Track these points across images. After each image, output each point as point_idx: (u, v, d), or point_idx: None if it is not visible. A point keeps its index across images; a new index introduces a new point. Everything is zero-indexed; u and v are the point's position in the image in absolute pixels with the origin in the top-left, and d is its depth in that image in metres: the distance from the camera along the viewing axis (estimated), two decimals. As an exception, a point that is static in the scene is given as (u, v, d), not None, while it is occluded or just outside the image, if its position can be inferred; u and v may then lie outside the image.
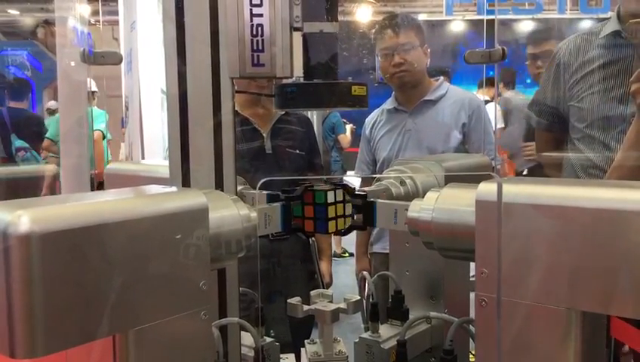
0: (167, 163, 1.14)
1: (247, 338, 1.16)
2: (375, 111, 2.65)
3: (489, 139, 2.52)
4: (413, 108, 2.53)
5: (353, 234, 1.32)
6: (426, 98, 2.51)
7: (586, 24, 9.05)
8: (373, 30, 2.61)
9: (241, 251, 1.00)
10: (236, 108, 2.34)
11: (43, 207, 0.71)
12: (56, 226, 0.69)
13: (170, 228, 0.81)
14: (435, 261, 1.20)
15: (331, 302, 1.21)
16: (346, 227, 1.18)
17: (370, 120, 2.66)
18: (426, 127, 2.49)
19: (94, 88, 4.93)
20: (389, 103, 2.62)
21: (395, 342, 1.18)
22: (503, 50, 1.26)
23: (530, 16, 9.86)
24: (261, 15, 1.06)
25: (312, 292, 1.22)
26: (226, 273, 1.11)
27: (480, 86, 5.63)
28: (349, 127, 7.54)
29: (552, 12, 10.11)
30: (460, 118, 2.46)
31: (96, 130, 5.90)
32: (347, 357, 1.18)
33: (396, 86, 2.56)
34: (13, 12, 11.72)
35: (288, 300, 1.19)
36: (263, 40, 1.07)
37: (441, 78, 2.61)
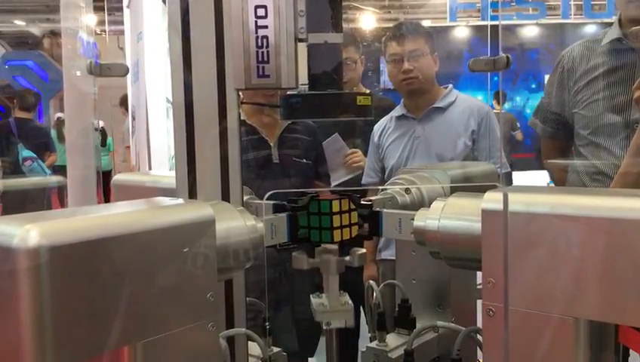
0: (173, 173, 1.15)
1: (254, 349, 1.16)
2: (384, 118, 2.65)
3: (497, 146, 2.51)
4: (422, 115, 2.53)
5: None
6: (435, 105, 2.51)
7: (591, 29, 9.04)
8: (383, 37, 2.62)
9: (247, 262, 1.00)
10: (243, 118, 2.34)
11: (51, 220, 0.72)
12: (65, 239, 0.69)
13: (177, 241, 0.82)
14: (441, 269, 1.20)
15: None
16: (353, 236, 1.18)
17: (378, 127, 2.65)
18: (435, 134, 2.49)
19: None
20: (397, 110, 2.62)
21: (403, 352, 1.18)
22: (508, 57, 1.26)
23: (535, 21, 9.86)
24: (266, 27, 1.07)
25: (317, 248, 1.19)
26: (233, 283, 1.11)
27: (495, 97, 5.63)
28: None
29: (556, 17, 10.10)
30: (470, 125, 2.45)
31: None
32: (353, 307, 1.17)
33: (405, 93, 2.57)
34: (19, 23, 11.79)
35: (293, 253, 1.18)
36: (268, 51, 1.08)
37: (450, 85, 2.61)
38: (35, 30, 11.10)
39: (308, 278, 2.44)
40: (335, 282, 1.17)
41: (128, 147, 6.66)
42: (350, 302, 1.17)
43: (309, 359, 2.32)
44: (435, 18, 11.20)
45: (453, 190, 1.15)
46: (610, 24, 2.16)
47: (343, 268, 1.17)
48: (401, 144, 2.53)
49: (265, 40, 1.07)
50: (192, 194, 1.11)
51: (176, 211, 0.87)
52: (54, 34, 8.48)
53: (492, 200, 0.85)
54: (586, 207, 0.79)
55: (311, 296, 1.21)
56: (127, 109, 6.31)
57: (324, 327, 1.16)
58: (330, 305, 1.16)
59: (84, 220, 0.76)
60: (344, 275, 1.19)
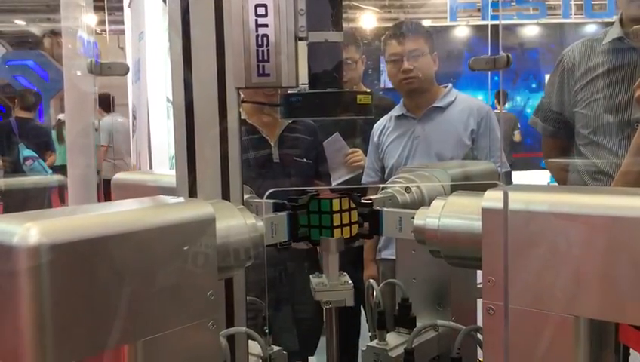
0: (173, 172, 1.15)
1: (254, 348, 1.16)
2: (383, 117, 2.65)
3: (497, 145, 2.51)
4: (421, 114, 2.52)
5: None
6: (435, 105, 2.51)
7: (591, 28, 9.04)
8: (383, 37, 2.61)
9: (248, 260, 1.00)
10: (243, 117, 2.34)
11: (51, 218, 0.72)
12: (65, 238, 0.69)
13: (178, 239, 0.82)
14: (441, 268, 1.20)
15: None
16: (353, 235, 1.18)
17: (378, 126, 2.65)
18: (435, 133, 2.48)
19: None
20: (397, 110, 2.62)
21: (403, 351, 1.18)
22: (508, 56, 1.26)
23: (535, 21, 9.85)
24: (266, 25, 1.07)
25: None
26: (233, 282, 1.11)
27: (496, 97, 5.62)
28: None
29: (556, 17, 10.10)
30: (469, 125, 2.45)
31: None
32: (353, 287, 1.16)
33: (404, 92, 2.57)
34: (19, 22, 11.79)
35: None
36: (268, 50, 1.08)
37: (449, 84, 2.61)
38: (36, 30, 11.10)
39: (308, 277, 2.44)
40: (335, 261, 1.17)
41: (101, 146, 6.66)
42: (350, 281, 1.17)
43: (309, 358, 2.33)
44: (436, 18, 11.20)
45: (454, 189, 1.15)
46: (611, 24, 2.16)
47: (342, 246, 1.17)
48: (401, 143, 2.53)
49: (265, 38, 1.07)
50: (193, 192, 1.11)
51: (176, 210, 0.87)
52: (55, 33, 8.48)
53: (492, 198, 0.85)
54: (586, 205, 0.79)
55: (311, 276, 1.21)
56: (104, 109, 6.36)
57: (324, 307, 1.16)
58: (329, 284, 1.16)
59: (85, 218, 0.76)
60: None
